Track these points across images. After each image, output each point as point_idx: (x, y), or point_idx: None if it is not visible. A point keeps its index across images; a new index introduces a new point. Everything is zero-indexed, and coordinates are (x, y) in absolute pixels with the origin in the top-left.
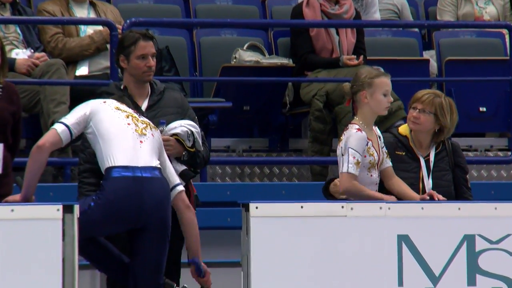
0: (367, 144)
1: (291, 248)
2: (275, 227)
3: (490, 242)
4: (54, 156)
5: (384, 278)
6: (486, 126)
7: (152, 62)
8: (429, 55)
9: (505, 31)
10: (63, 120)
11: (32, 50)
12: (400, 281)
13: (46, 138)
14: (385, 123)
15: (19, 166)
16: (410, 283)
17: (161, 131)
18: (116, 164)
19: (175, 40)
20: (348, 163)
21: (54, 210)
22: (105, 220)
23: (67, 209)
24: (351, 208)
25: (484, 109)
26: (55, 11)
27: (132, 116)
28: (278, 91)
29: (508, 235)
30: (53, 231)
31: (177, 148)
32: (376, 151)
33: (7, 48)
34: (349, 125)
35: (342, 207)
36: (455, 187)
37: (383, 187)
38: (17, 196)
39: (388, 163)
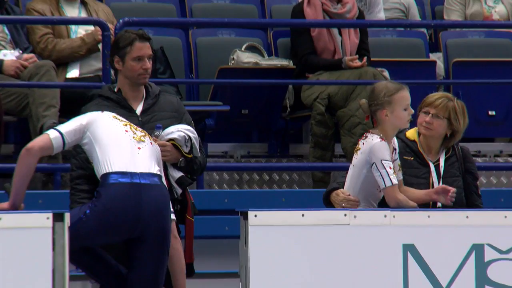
0: None
1: (292, 258)
2: (275, 236)
3: (500, 252)
4: (43, 162)
5: None
6: (496, 131)
7: (149, 64)
8: (436, 57)
9: None
10: (57, 127)
11: (21, 51)
12: None
13: (36, 142)
14: None
15: (7, 172)
16: None
17: (157, 136)
18: (113, 170)
19: (170, 40)
20: (389, 176)
21: (43, 219)
22: (101, 228)
23: (57, 218)
24: (354, 216)
25: (494, 112)
26: (45, 10)
27: (130, 125)
28: (278, 94)
29: None
30: (43, 240)
31: (174, 154)
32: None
33: None
34: (368, 134)
35: (345, 215)
36: (466, 194)
37: (384, 202)
38: (5, 204)
39: (400, 176)
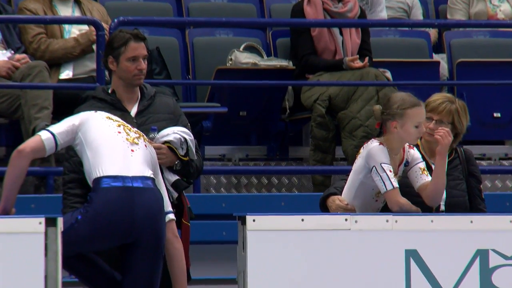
0: None
1: (291, 264)
2: (273, 241)
3: (505, 257)
4: (36, 165)
5: None
6: (501, 133)
7: (144, 64)
8: (439, 57)
9: None
10: (49, 128)
11: (13, 51)
12: None
13: (28, 144)
14: None
15: None
16: None
17: (152, 138)
18: (105, 174)
19: (167, 40)
20: (389, 180)
21: (36, 223)
22: (93, 234)
23: (50, 222)
24: (356, 221)
25: (499, 114)
26: (37, 10)
27: (124, 125)
28: (277, 96)
29: None
30: (35, 246)
31: (169, 157)
32: None
33: None
34: (370, 140)
35: (346, 219)
36: (469, 197)
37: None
38: None
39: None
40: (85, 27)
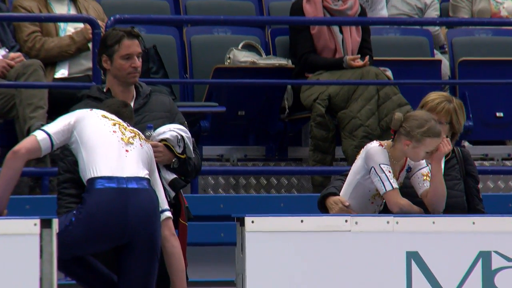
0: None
1: (290, 266)
2: (272, 243)
3: (508, 259)
4: (31, 166)
5: None
6: (504, 133)
7: (138, 62)
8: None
9: None
10: (45, 128)
11: (7, 50)
12: None
13: (23, 144)
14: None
15: None
16: None
17: (148, 137)
18: (99, 175)
19: (164, 38)
20: (389, 180)
21: (31, 225)
22: (87, 236)
23: (45, 224)
24: (356, 223)
25: (501, 114)
26: (32, 8)
27: (119, 124)
28: (276, 95)
29: None
30: (30, 247)
31: (166, 155)
32: None
33: None
34: (371, 142)
35: (346, 221)
36: (467, 197)
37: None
38: None
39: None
40: (80, 25)
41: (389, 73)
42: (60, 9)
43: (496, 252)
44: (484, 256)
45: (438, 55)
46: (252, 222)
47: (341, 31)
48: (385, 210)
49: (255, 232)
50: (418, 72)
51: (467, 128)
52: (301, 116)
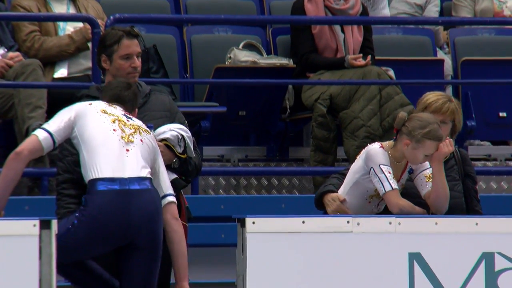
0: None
1: (292, 268)
2: (273, 244)
3: (511, 260)
4: (29, 166)
5: None
6: (507, 133)
7: (138, 62)
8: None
9: None
10: (45, 126)
11: (6, 49)
12: None
13: (26, 145)
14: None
15: None
16: None
17: None
18: (100, 176)
19: (164, 38)
20: (388, 181)
21: (30, 226)
22: (90, 238)
23: (45, 225)
24: (358, 223)
25: (504, 114)
26: (31, 7)
27: (119, 120)
28: (277, 95)
29: None
30: (29, 249)
31: (167, 155)
32: None
33: None
34: (373, 143)
35: (348, 222)
36: (465, 198)
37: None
38: None
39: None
40: (80, 25)
41: (391, 72)
42: (59, 8)
43: (499, 253)
44: (487, 257)
45: (440, 55)
46: (253, 223)
47: (342, 31)
48: (386, 209)
49: (256, 233)
50: (420, 71)
51: (470, 128)
52: (302, 116)
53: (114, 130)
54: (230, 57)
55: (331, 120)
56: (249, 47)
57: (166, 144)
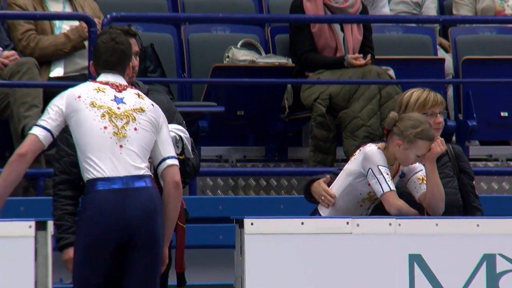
0: None
1: (290, 269)
2: (272, 245)
3: None
4: None
5: None
6: (508, 133)
7: (135, 61)
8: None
9: None
10: (41, 123)
11: (1, 48)
12: None
13: (29, 147)
14: None
15: None
16: None
17: None
18: (96, 177)
19: (161, 37)
20: (386, 182)
21: (25, 227)
22: (89, 239)
23: (40, 226)
24: (357, 225)
25: (506, 114)
26: (27, 5)
27: (109, 113)
28: (276, 94)
29: None
30: (25, 250)
31: None
32: None
33: None
34: (368, 144)
35: (347, 223)
36: (462, 195)
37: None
38: None
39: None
40: (76, 23)
41: (391, 72)
42: (55, 7)
43: (500, 255)
44: (489, 259)
45: (441, 54)
46: (252, 224)
47: (342, 29)
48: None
49: (255, 235)
50: (421, 71)
51: (471, 128)
52: (301, 116)
53: (105, 127)
54: (228, 56)
55: (330, 120)
56: (248, 46)
57: None
